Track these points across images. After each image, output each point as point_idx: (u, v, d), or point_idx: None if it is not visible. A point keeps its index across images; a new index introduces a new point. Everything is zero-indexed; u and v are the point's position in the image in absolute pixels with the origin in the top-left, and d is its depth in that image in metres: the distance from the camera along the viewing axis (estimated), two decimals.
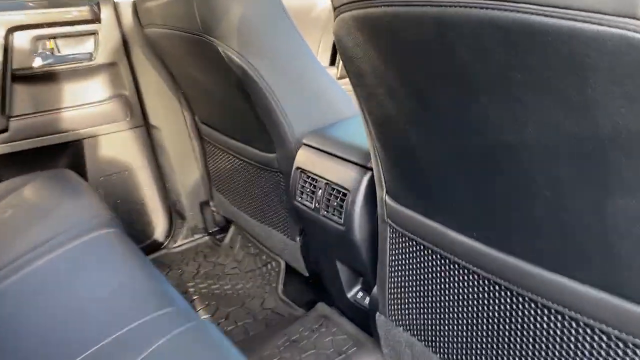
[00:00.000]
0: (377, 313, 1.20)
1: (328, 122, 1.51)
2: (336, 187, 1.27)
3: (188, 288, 1.95)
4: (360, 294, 1.42)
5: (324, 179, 1.30)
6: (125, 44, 1.92)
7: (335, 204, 1.27)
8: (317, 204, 1.33)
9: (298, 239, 1.63)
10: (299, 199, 1.41)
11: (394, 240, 1.08)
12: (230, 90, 1.52)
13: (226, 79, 1.48)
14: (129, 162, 2.08)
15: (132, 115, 2.02)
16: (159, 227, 2.21)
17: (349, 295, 1.44)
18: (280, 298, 1.82)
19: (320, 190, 1.31)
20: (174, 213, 2.23)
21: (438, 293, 1.01)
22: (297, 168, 1.40)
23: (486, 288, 0.89)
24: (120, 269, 1.19)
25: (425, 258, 1.01)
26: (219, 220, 2.29)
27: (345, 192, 1.24)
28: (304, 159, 1.39)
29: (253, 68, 1.39)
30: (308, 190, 1.37)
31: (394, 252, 1.09)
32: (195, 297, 1.89)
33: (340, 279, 1.42)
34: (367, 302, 1.39)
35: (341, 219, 1.25)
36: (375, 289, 1.23)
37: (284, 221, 1.66)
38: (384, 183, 1.05)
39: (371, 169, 1.20)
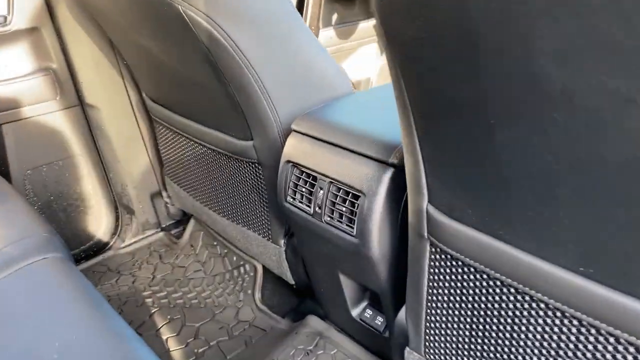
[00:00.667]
0: (408, 349, 0.95)
1: (320, 101, 1.22)
2: (345, 188, 1.00)
3: (144, 299, 1.64)
4: (369, 312, 1.17)
5: (327, 176, 1.02)
6: (48, 3, 1.54)
7: (344, 209, 1.00)
8: (317, 208, 1.05)
9: (282, 242, 1.36)
10: (291, 200, 1.12)
11: (436, 262, 0.83)
12: (192, 62, 1.20)
13: (187, 48, 1.16)
14: (62, 151, 1.71)
15: (63, 93, 1.65)
16: (103, 224, 1.87)
17: (355, 313, 1.19)
18: (259, 307, 1.55)
19: (322, 191, 1.03)
20: (120, 207, 1.89)
21: (502, 335, 0.77)
22: (288, 161, 1.11)
23: (580, 331, 0.66)
24: (62, 323, 0.87)
25: (486, 288, 0.76)
26: (173, 213, 1.97)
27: (358, 194, 0.97)
28: (296, 149, 1.10)
29: (224, 34, 1.07)
30: (304, 190, 1.08)
31: (435, 276, 0.84)
32: (153, 310, 1.58)
33: (344, 294, 1.16)
34: (379, 324, 1.14)
35: (353, 228, 0.99)
36: (399, 317, 0.98)
37: (264, 221, 1.37)
38: (425, 190, 0.79)
39: (392, 166, 0.93)
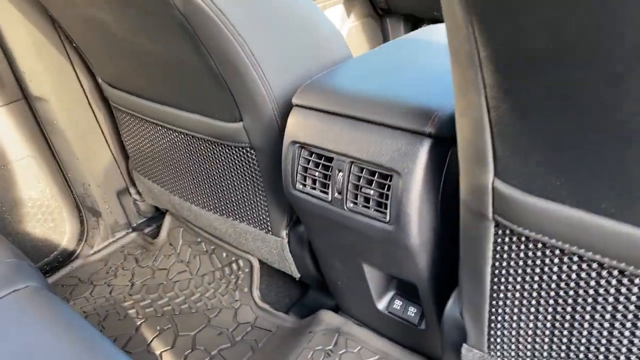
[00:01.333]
0: (466, 346, 0.82)
1: (318, 69, 1.05)
2: (371, 168, 0.84)
3: (126, 310, 1.45)
4: (398, 302, 1.03)
5: (347, 156, 0.87)
6: None
7: (372, 192, 0.85)
8: (336, 194, 0.90)
9: (284, 233, 1.20)
10: (300, 186, 0.96)
11: (504, 246, 0.69)
12: (163, 35, 1.01)
13: (157, 18, 0.97)
14: (8, 153, 1.48)
15: (2, 87, 1.41)
16: (67, 231, 1.66)
17: (381, 306, 1.05)
18: (259, 306, 1.39)
19: (342, 174, 0.88)
20: (84, 210, 1.68)
21: (599, 325, 0.65)
22: (294, 142, 0.95)
23: None
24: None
25: (577, 273, 0.63)
26: (144, 210, 1.77)
27: (389, 173, 0.82)
28: (301, 127, 0.94)
29: None
30: (317, 174, 0.93)
31: (504, 262, 0.71)
32: (139, 322, 1.41)
33: (369, 287, 1.02)
34: (412, 315, 1.01)
35: (385, 214, 0.84)
36: (448, 310, 0.85)
37: (260, 212, 1.21)
38: (491, 162, 0.65)
39: (430, 136, 0.79)
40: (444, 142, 0.80)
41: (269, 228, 1.22)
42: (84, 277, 1.60)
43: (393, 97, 0.84)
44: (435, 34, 1.12)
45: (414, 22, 2.46)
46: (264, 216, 1.21)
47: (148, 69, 1.17)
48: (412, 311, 1.01)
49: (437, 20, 2.40)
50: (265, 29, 0.97)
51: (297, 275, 1.26)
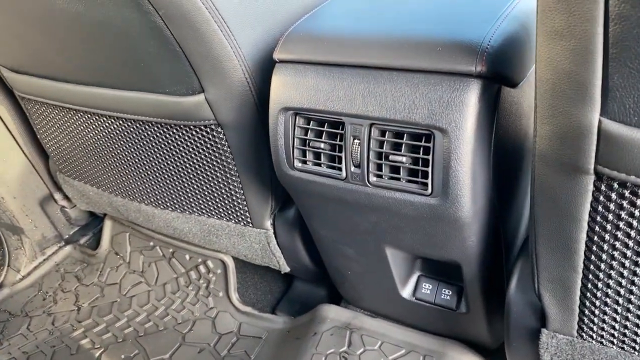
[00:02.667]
0: (546, 331, 0.67)
1: (289, 18, 0.84)
2: (401, 128, 0.66)
3: (78, 341, 1.20)
4: (427, 286, 0.87)
5: (365, 117, 0.67)
6: None
7: (404, 159, 0.66)
8: (352, 168, 0.70)
9: (268, 223, 0.99)
10: (300, 165, 0.76)
11: (609, 204, 0.54)
12: None
13: None
14: None
15: None
16: None
17: (406, 293, 0.88)
18: (240, 310, 1.19)
19: (358, 141, 0.68)
20: (0, 229, 1.38)
21: None
22: (285, 109, 0.74)
23: None
24: None
25: None
26: (75, 217, 1.50)
27: (429, 132, 0.64)
28: (292, 88, 0.73)
29: None
30: (323, 146, 0.73)
31: (607, 225, 0.55)
32: (98, 354, 1.16)
33: (391, 272, 0.85)
34: (448, 299, 0.85)
35: (426, 185, 0.66)
36: (513, 290, 0.69)
37: (236, 203, 0.99)
38: (599, 96, 0.48)
39: (479, 76, 0.61)
40: (493, 83, 0.63)
41: (248, 220, 1.01)
42: (15, 309, 1.32)
43: (416, 34, 0.65)
44: None
45: None
46: (241, 207, 0.99)
47: (69, 41, 0.90)
48: (446, 294, 0.85)
49: None
50: None
51: (285, 269, 1.06)
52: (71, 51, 0.92)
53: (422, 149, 0.65)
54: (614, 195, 0.53)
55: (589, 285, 0.60)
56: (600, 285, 0.59)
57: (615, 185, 0.52)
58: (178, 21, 0.74)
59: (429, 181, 0.65)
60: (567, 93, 0.50)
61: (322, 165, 0.74)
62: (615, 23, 0.43)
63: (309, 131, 0.73)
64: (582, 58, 0.47)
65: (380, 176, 0.69)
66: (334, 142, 0.71)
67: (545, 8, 0.47)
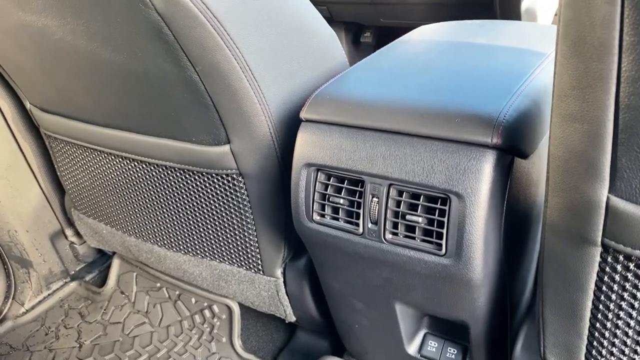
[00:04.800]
0: None
1: (315, 78, 0.90)
2: (419, 191, 0.70)
3: None
4: (433, 343, 0.89)
5: (385, 177, 0.72)
6: None
7: (420, 220, 0.70)
8: (370, 224, 0.74)
9: (279, 271, 1.02)
10: (318, 218, 0.80)
11: (615, 275, 0.57)
12: (130, 41, 0.81)
13: (123, 21, 0.77)
14: None
15: None
16: None
17: (411, 349, 0.90)
18: (242, 357, 1.19)
19: (377, 200, 0.72)
20: (10, 261, 1.40)
21: None
22: (309, 165, 0.79)
23: None
24: None
25: None
26: (83, 253, 1.52)
27: (446, 196, 0.68)
28: (317, 146, 0.78)
29: None
30: (342, 201, 0.77)
31: (612, 295, 0.58)
32: None
33: (399, 328, 0.87)
34: (452, 357, 0.87)
35: (440, 246, 0.69)
36: (518, 353, 0.72)
37: (249, 249, 1.02)
38: (608, 174, 0.52)
39: (494, 147, 0.65)
40: (507, 154, 0.67)
41: (259, 267, 1.03)
42: (16, 342, 1.33)
43: (437, 104, 0.70)
44: (436, 34, 1.00)
45: (355, 31, 2.36)
46: (253, 254, 1.02)
47: (101, 86, 0.95)
48: (451, 352, 0.87)
49: (381, 28, 2.32)
50: (259, 32, 0.80)
51: (291, 318, 1.08)
52: (103, 97, 0.97)
53: (437, 211, 0.69)
54: (619, 267, 0.56)
55: (593, 352, 0.63)
56: (604, 352, 0.62)
57: (621, 258, 0.56)
58: (213, 77, 0.80)
59: (444, 242, 0.69)
60: (578, 170, 0.54)
61: (340, 220, 0.78)
62: (625, 112, 0.48)
63: (329, 187, 0.78)
64: (593, 140, 0.51)
65: (396, 234, 0.73)
66: (353, 199, 0.75)
67: (561, 93, 0.52)
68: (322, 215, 0.79)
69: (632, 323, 0.58)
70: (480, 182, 0.65)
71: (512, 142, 0.65)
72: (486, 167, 0.65)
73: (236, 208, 0.97)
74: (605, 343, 0.61)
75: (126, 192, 1.13)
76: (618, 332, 0.60)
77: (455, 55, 0.86)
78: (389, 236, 0.73)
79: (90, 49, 0.86)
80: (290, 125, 0.86)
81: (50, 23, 0.85)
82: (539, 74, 0.76)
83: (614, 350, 0.61)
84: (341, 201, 0.76)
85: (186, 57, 0.78)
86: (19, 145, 1.31)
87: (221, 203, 0.98)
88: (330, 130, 0.76)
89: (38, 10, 0.83)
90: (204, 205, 1.01)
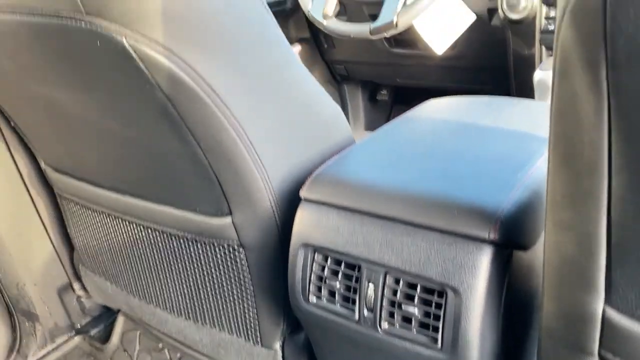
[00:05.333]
0: None
1: (320, 153, 0.90)
2: (415, 281, 0.69)
3: None
4: None
5: (381, 264, 0.71)
6: None
7: (416, 311, 0.69)
8: (365, 311, 0.73)
9: (277, 344, 1.01)
10: (314, 299, 0.79)
11: None
12: (138, 116, 0.83)
13: (131, 98, 0.80)
14: None
15: None
16: None
17: None
18: None
19: (373, 287, 0.71)
20: (17, 314, 1.40)
21: None
22: (306, 245, 0.78)
23: None
24: None
25: None
26: (89, 307, 1.51)
27: (442, 290, 0.66)
28: (314, 226, 0.78)
29: (194, 74, 0.73)
30: (338, 285, 0.76)
31: None
32: None
33: None
34: None
35: (436, 340, 0.68)
36: None
37: (248, 319, 1.01)
38: (603, 286, 0.51)
39: (491, 243, 0.64)
40: (504, 249, 0.66)
41: (258, 339, 1.02)
42: None
43: (436, 193, 0.70)
44: (443, 112, 1.00)
45: (372, 89, 2.39)
46: (252, 324, 1.01)
47: (109, 154, 0.97)
48: None
49: (397, 87, 2.35)
50: (263, 110, 0.82)
51: None
52: (112, 163, 0.99)
53: (434, 303, 0.67)
54: None
55: None
56: None
57: None
58: (216, 154, 0.81)
59: (439, 335, 0.67)
60: (573, 280, 0.53)
61: (336, 303, 0.76)
62: (617, 229, 0.47)
63: (326, 268, 0.77)
64: (587, 252, 0.50)
65: (392, 324, 0.71)
66: (349, 283, 0.74)
67: (554, 200, 0.51)
68: (319, 297, 0.78)
69: None
70: (477, 277, 0.64)
71: (511, 237, 0.64)
72: (483, 263, 0.64)
73: (236, 278, 0.96)
74: None
75: (131, 254, 1.14)
76: None
77: (459, 138, 0.86)
78: (385, 325, 0.72)
79: (100, 121, 0.89)
80: (292, 201, 0.86)
81: (62, 96, 0.87)
82: (543, 163, 0.75)
83: None
84: (337, 285, 0.75)
85: (190, 134, 0.79)
86: (32, 201, 1.33)
87: (221, 272, 0.98)
88: (328, 212, 0.76)
89: (51, 84, 0.85)
90: (204, 273, 1.01)
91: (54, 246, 1.40)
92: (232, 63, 0.77)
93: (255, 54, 0.80)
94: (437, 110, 1.00)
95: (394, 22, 1.48)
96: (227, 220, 0.90)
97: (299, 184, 0.85)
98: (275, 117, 0.84)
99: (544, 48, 1.53)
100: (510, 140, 0.83)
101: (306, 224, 0.78)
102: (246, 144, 0.80)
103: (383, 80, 2.27)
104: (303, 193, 0.80)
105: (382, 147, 0.86)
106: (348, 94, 2.38)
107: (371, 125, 2.38)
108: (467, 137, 0.86)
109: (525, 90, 1.61)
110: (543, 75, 1.32)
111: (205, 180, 0.86)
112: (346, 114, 2.37)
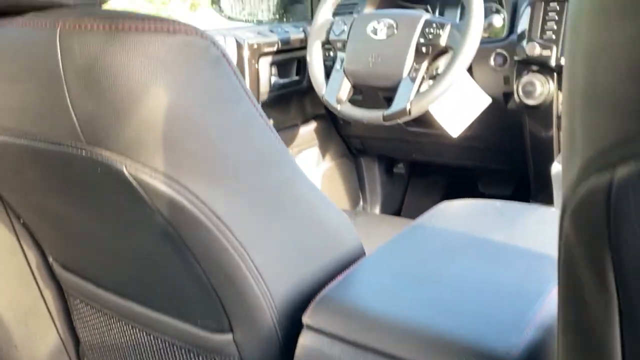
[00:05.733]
0: None
1: (325, 267, 0.87)
2: None
3: None
4: None
5: None
6: None
7: None
8: None
9: None
10: None
11: None
12: (140, 237, 0.82)
13: (133, 221, 0.79)
14: None
15: None
16: None
17: None
18: None
19: None
20: None
21: None
22: None
23: None
24: None
25: None
26: None
27: None
28: (317, 356, 0.74)
29: (196, 200, 0.72)
30: None
31: None
32: None
33: None
34: None
35: None
36: None
37: None
38: None
39: None
40: None
41: None
42: None
43: (444, 332, 0.66)
44: (455, 221, 0.97)
45: (388, 162, 2.38)
46: None
47: (113, 261, 0.96)
48: None
49: (414, 162, 2.33)
50: (267, 230, 0.80)
51: None
52: (117, 270, 0.98)
53: None
54: None
55: None
56: None
57: None
58: (217, 274, 0.79)
59: None
60: None
61: None
62: None
63: None
64: None
65: None
66: None
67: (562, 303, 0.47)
68: None
69: None
70: None
71: None
72: None
73: None
74: None
75: (134, 357, 1.11)
76: None
77: (469, 258, 0.82)
78: None
79: (103, 234, 0.88)
80: (295, 319, 0.83)
81: (68, 209, 0.87)
82: (555, 294, 0.71)
83: None
84: None
85: (191, 255, 0.77)
86: (41, 293, 1.32)
87: None
88: (331, 345, 0.73)
89: (55, 200, 0.85)
90: None
91: (60, 338, 1.37)
92: (234, 186, 0.76)
93: (258, 175, 0.78)
94: (447, 219, 0.97)
95: (407, 110, 1.48)
96: (229, 337, 0.87)
97: (304, 299, 0.83)
98: (280, 237, 0.82)
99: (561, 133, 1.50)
100: (522, 263, 0.79)
101: (308, 353, 0.75)
102: (249, 265, 0.78)
103: (399, 155, 2.27)
104: (305, 319, 0.77)
105: (390, 266, 0.83)
106: (365, 168, 2.37)
107: (388, 199, 2.36)
108: (478, 256, 0.82)
109: (543, 176, 1.58)
110: (561, 168, 1.29)
111: (205, 296, 0.84)
112: (363, 187, 2.36)
